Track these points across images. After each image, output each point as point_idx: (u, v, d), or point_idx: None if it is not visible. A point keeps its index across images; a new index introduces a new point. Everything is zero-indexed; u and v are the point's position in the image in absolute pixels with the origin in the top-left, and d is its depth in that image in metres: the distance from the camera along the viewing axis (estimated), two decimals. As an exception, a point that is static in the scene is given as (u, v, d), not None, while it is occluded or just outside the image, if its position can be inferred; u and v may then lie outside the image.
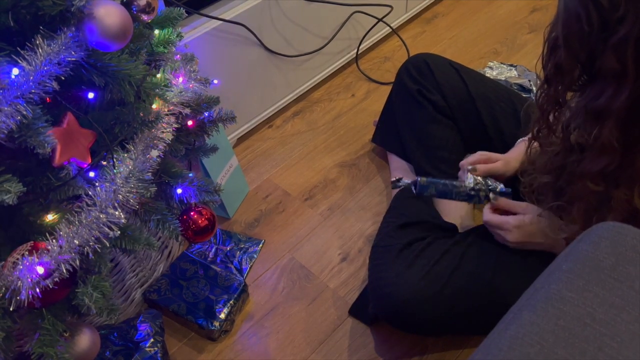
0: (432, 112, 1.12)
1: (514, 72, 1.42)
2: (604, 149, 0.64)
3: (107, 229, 0.66)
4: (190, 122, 0.91)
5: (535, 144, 0.80)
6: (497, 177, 0.95)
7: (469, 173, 0.94)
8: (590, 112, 0.63)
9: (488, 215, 0.89)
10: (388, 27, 1.56)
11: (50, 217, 0.68)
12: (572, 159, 0.70)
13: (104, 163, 0.72)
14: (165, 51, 0.87)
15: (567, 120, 0.68)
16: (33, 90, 0.58)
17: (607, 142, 0.63)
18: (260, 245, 1.16)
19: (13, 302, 0.60)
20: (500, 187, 0.92)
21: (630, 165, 0.64)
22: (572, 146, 0.69)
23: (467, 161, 0.97)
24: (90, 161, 0.69)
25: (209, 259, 1.12)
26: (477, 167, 0.94)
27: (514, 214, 0.88)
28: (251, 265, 1.12)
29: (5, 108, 0.56)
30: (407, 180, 0.95)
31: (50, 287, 0.61)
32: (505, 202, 0.90)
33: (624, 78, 0.58)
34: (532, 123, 0.77)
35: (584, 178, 0.68)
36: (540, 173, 0.79)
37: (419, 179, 0.93)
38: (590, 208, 0.71)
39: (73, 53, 0.61)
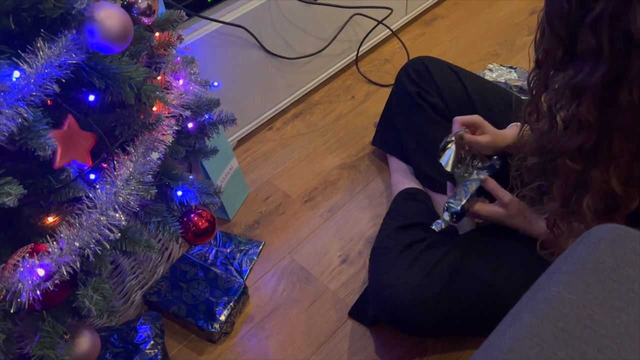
0: (431, 114, 1.12)
1: (514, 74, 1.42)
2: (581, 126, 0.65)
3: (107, 231, 0.66)
4: (190, 125, 0.91)
5: (527, 127, 0.81)
6: (482, 150, 0.97)
7: (451, 144, 0.95)
8: (569, 89, 0.65)
9: (478, 207, 0.93)
10: (388, 30, 1.56)
11: (50, 219, 0.69)
12: (555, 137, 0.71)
13: (105, 165, 0.72)
14: (166, 53, 0.87)
15: (552, 100, 0.69)
16: (34, 93, 0.58)
17: (584, 120, 0.64)
18: (261, 247, 1.16)
19: (14, 304, 0.60)
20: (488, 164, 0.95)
21: (608, 146, 0.66)
22: (557, 125, 0.70)
23: (462, 120, 0.97)
24: (90, 163, 0.69)
25: (209, 261, 1.12)
26: (464, 134, 0.95)
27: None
28: (251, 267, 1.12)
29: (6, 110, 0.56)
30: (439, 221, 0.94)
31: (51, 289, 0.62)
32: (492, 185, 0.92)
33: (600, 55, 0.60)
34: (523, 107, 0.79)
35: (563, 155, 0.70)
36: (529, 154, 0.80)
37: (453, 209, 0.93)
38: (569, 186, 0.73)
39: (74, 56, 0.61)
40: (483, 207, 0.92)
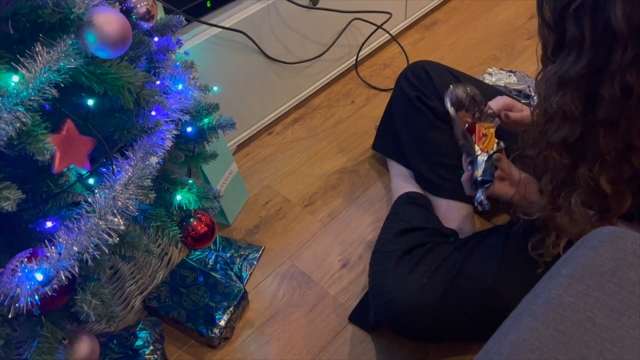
0: (431, 118, 1.12)
1: (513, 78, 1.42)
2: (566, 118, 0.66)
3: (106, 235, 0.65)
4: (189, 129, 0.91)
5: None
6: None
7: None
8: (556, 80, 0.65)
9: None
10: (387, 34, 1.57)
11: (49, 224, 0.68)
12: (542, 128, 0.72)
13: (104, 170, 0.72)
14: (165, 58, 0.87)
15: (542, 91, 0.70)
16: (33, 98, 0.58)
17: (568, 111, 0.65)
18: (260, 252, 1.16)
19: (12, 309, 0.60)
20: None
21: (594, 141, 0.66)
22: (545, 116, 0.71)
23: (496, 106, 0.96)
24: (89, 168, 0.69)
25: (208, 265, 1.11)
26: (510, 114, 0.94)
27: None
28: (251, 272, 1.12)
29: (5, 115, 0.56)
30: (482, 197, 0.89)
31: (49, 294, 0.61)
32: (505, 165, 0.89)
33: (582, 46, 0.61)
34: (532, 109, 0.79)
35: (550, 148, 0.71)
36: (528, 145, 0.81)
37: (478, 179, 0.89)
38: (557, 181, 0.73)
39: (72, 60, 0.61)
40: (498, 187, 0.90)
